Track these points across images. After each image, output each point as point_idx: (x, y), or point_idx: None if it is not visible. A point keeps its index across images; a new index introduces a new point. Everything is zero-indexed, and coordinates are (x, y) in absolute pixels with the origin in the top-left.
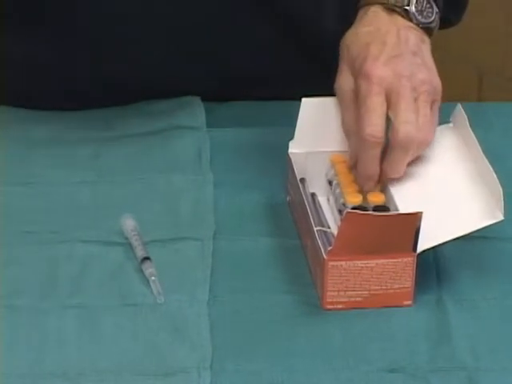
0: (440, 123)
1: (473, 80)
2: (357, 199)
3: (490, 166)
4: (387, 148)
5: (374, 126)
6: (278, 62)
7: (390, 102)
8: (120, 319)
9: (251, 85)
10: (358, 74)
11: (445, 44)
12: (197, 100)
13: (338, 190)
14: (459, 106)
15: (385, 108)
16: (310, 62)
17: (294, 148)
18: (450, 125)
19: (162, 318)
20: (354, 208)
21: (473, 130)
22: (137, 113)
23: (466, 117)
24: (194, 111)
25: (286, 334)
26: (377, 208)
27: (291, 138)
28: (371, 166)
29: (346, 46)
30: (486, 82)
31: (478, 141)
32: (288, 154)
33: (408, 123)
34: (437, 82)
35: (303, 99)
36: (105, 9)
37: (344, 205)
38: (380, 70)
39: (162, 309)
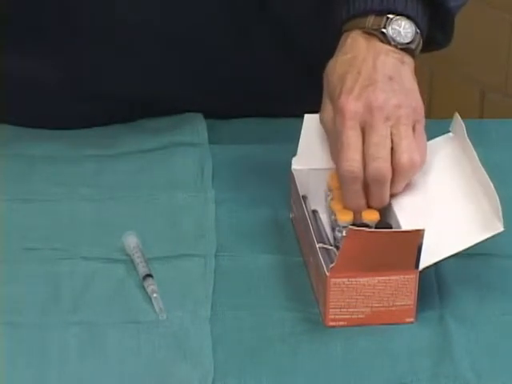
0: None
1: (475, 97)
2: (348, 217)
3: (487, 176)
4: None
5: (350, 161)
6: (280, 78)
7: (364, 134)
8: (122, 336)
9: (253, 101)
10: (334, 108)
11: (448, 60)
12: (199, 117)
13: (330, 207)
14: (457, 115)
15: (360, 141)
16: (312, 78)
17: (296, 164)
18: (451, 134)
19: (164, 335)
20: (346, 226)
21: (474, 147)
22: (138, 130)
23: (463, 126)
24: (196, 128)
25: (288, 351)
26: (379, 225)
27: (294, 154)
28: (354, 200)
29: (326, 77)
30: (488, 98)
31: (479, 157)
32: (291, 171)
33: (378, 158)
34: (416, 102)
35: (306, 115)
36: (105, 25)
37: (336, 221)
38: (352, 105)
39: (164, 326)
